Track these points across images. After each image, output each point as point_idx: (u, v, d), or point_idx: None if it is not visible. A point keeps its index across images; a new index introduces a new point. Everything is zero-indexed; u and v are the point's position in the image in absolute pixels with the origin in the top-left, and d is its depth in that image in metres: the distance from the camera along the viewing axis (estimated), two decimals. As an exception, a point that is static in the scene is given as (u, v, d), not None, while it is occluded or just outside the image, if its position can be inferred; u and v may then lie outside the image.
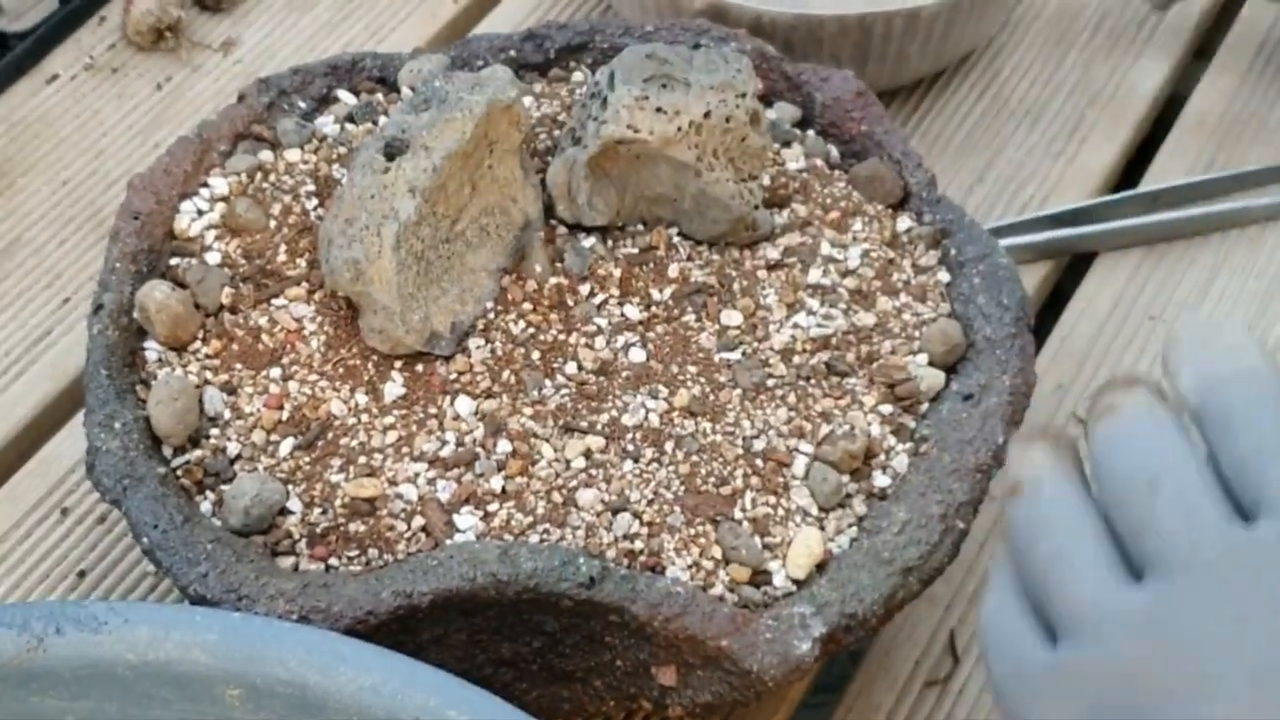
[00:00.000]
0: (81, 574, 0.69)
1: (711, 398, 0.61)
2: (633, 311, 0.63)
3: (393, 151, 0.62)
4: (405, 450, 0.60)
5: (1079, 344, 0.78)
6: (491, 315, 0.63)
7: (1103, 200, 0.83)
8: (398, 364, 0.62)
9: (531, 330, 0.63)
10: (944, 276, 0.67)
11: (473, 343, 0.62)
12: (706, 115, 0.65)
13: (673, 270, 0.65)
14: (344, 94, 0.71)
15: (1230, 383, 0.43)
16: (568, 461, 0.59)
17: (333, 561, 0.58)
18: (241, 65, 0.88)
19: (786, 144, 0.70)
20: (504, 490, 0.59)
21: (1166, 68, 0.90)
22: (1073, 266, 0.82)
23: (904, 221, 0.68)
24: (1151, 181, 0.84)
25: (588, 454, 0.59)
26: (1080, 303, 0.80)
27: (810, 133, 0.72)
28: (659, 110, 0.64)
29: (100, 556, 0.70)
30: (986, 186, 0.84)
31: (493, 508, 0.58)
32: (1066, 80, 0.89)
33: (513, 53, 0.74)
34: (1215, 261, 0.81)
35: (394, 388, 0.61)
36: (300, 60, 0.79)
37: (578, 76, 0.73)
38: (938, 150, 0.86)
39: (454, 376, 0.61)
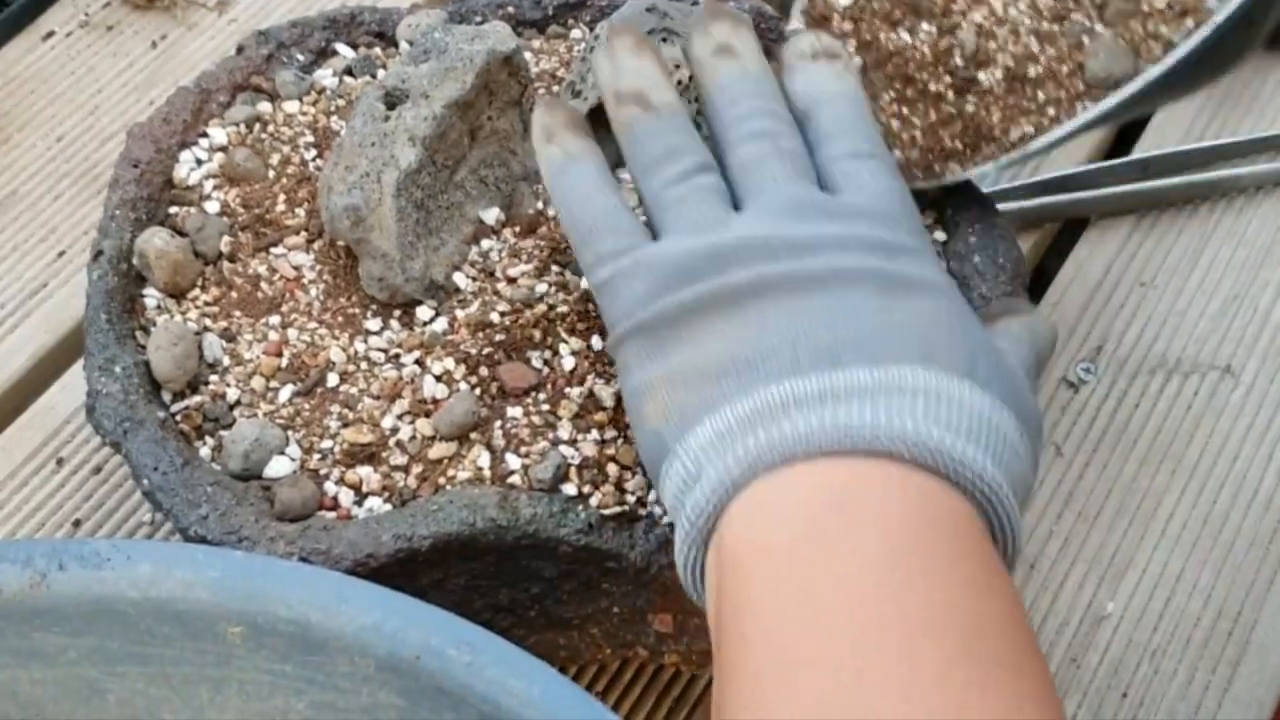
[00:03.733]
0: (77, 523, 0.69)
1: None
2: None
3: (393, 100, 0.62)
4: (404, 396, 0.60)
5: (1071, 310, 0.78)
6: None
7: (1094, 167, 0.83)
8: (396, 312, 0.62)
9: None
10: (940, 235, 0.67)
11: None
12: (706, 71, 0.65)
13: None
14: (342, 47, 0.71)
15: (837, 100, 0.57)
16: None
17: (332, 506, 0.58)
18: (236, 24, 0.88)
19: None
20: (503, 438, 0.59)
21: (1158, 38, 0.90)
22: (1064, 232, 0.83)
23: (900, 181, 0.68)
24: (1144, 149, 0.85)
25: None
26: (1072, 268, 0.80)
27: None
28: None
29: (95, 506, 0.70)
30: (979, 153, 0.85)
31: (491, 455, 0.58)
32: (1059, 50, 0.90)
33: (510, 9, 0.74)
34: (1205, 229, 0.81)
35: (392, 335, 0.61)
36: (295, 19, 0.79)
37: (576, 33, 0.73)
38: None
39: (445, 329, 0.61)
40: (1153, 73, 0.59)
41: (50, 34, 0.87)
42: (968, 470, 0.47)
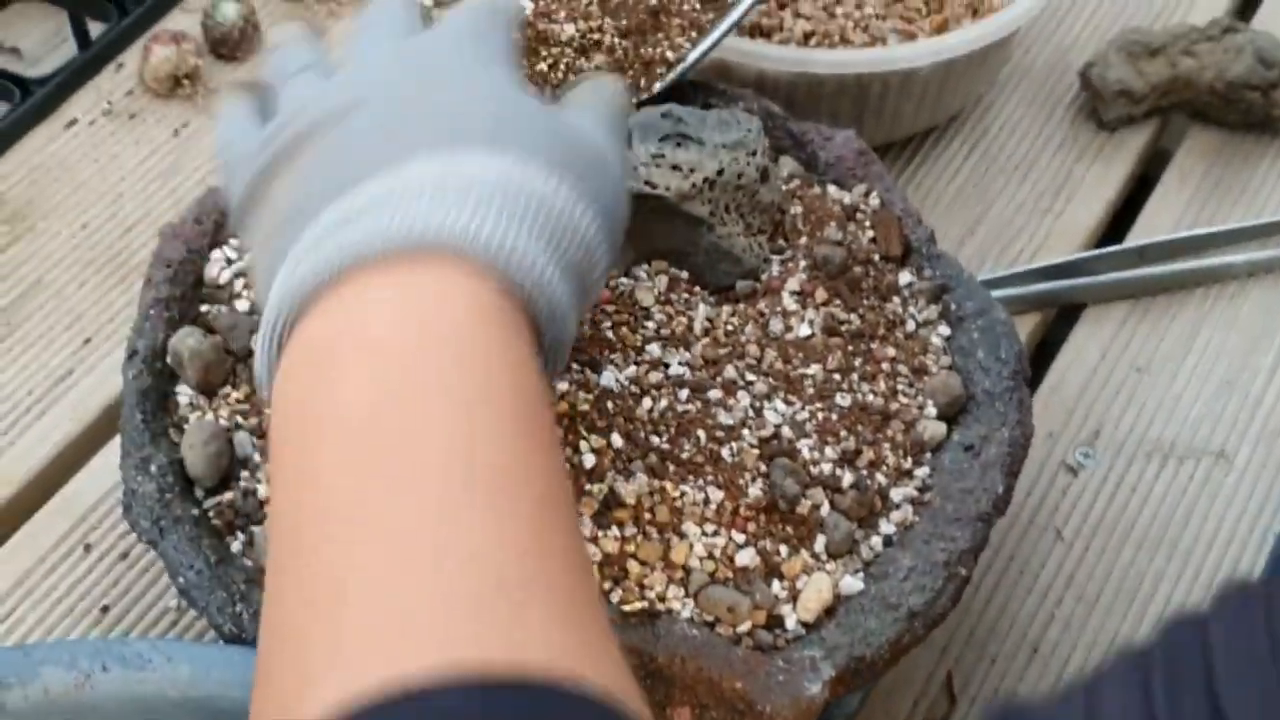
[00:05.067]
0: (105, 609, 0.71)
1: (720, 451, 0.63)
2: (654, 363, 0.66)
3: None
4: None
5: (1069, 393, 0.81)
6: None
7: (1091, 254, 0.86)
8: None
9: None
10: (944, 330, 0.69)
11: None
12: (720, 173, 0.68)
13: (696, 322, 0.67)
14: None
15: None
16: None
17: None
18: (255, 112, 0.90)
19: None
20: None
21: (1152, 125, 0.93)
22: (1060, 317, 0.85)
23: (905, 276, 0.71)
24: (1138, 235, 0.87)
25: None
26: (1070, 353, 0.83)
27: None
28: (675, 167, 0.67)
29: (123, 592, 0.72)
30: (977, 240, 0.87)
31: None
32: (1054, 137, 0.92)
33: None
34: (1199, 315, 0.84)
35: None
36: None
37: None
38: (929, 204, 0.88)
39: None
40: None
41: (73, 122, 0.90)
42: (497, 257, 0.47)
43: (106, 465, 0.75)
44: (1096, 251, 0.86)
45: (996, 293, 0.79)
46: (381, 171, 0.49)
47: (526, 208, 0.49)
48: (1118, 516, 0.76)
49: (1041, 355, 0.84)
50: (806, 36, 0.85)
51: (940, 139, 0.92)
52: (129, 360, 0.65)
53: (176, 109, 0.90)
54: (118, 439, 0.64)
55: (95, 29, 0.92)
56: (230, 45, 0.92)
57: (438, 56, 0.55)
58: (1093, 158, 0.91)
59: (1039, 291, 0.84)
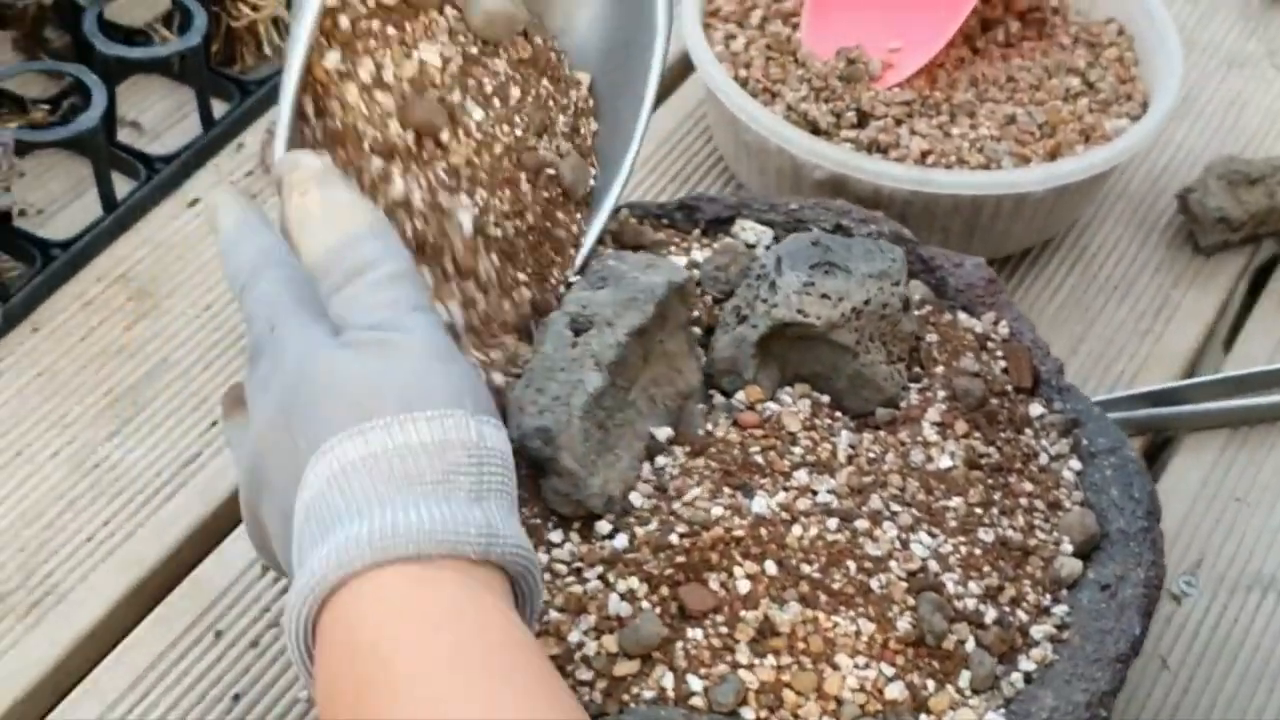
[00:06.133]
0: (236, 697, 0.72)
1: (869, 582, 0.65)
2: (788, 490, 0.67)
3: (579, 326, 0.66)
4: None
5: (1172, 520, 0.82)
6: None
7: (1190, 382, 0.87)
8: (576, 524, 0.65)
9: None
10: (1075, 465, 0.71)
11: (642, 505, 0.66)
12: (866, 302, 0.69)
13: (840, 449, 0.69)
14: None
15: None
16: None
17: None
18: (372, 198, 0.92)
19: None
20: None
21: (1246, 251, 0.95)
22: (1155, 444, 0.87)
23: (1035, 408, 0.73)
24: (1234, 360, 0.89)
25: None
26: (1171, 480, 0.84)
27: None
28: (824, 296, 0.69)
29: (253, 680, 0.73)
30: (1080, 359, 0.89)
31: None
32: (1152, 259, 0.94)
33: (665, 221, 0.78)
34: (1295, 447, 0.86)
35: (573, 547, 0.65)
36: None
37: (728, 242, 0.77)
38: (1032, 320, 0.90)
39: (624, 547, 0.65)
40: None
41: (195, 201, 0.91)
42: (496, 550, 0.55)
43: (236, 550, 0.76)
44: (1196, 380, 0.88)
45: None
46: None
47: (485, 474, 0.56)
48: (1220, 648, 0.78)
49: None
50: (924, 155, 0.87)
51: (1040, 255, 0.94)
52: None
53: (299, 193, 0.91)
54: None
55: (218, 108, 0.94)
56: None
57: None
58: (1189, 281, 0.93)
59: (1140, 418, 0.86)
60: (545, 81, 0.73)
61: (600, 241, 0.74)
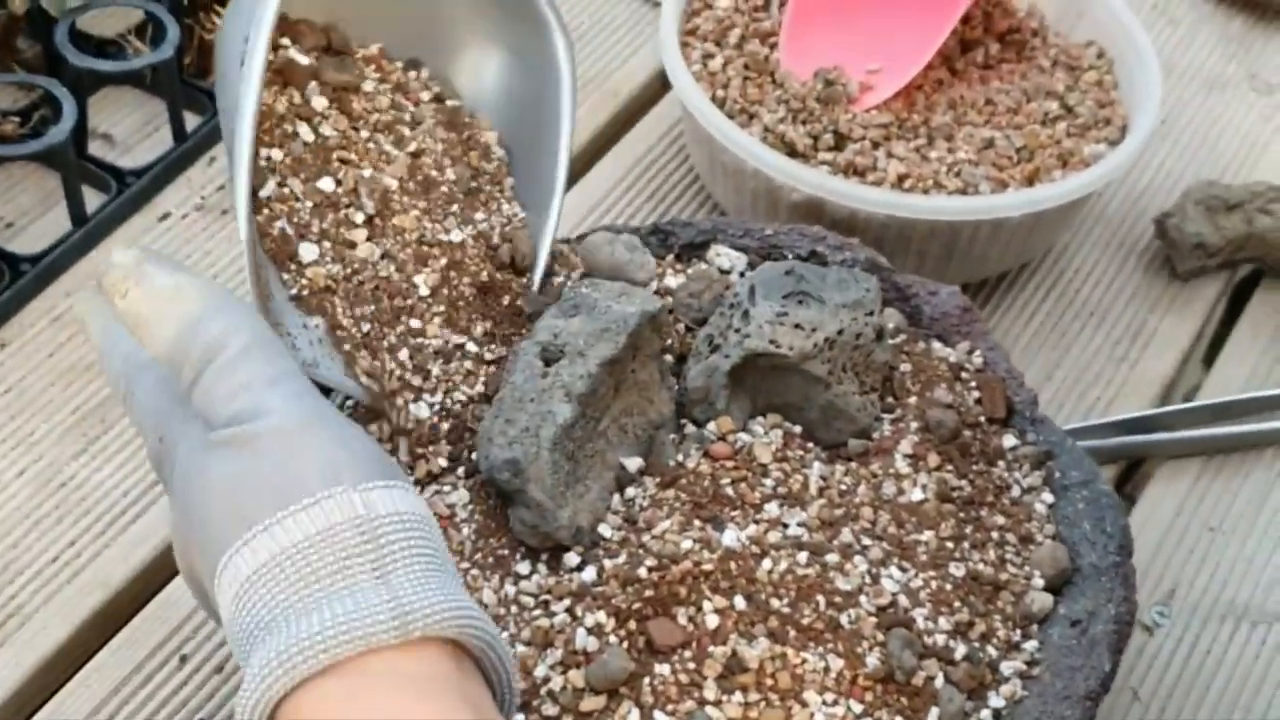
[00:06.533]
0: (201, 724, 0.72)
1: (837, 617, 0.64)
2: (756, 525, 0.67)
3: (549, 356, 0.66)
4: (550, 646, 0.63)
5: (1145, 550, 0.82)
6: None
7: (1166, 410, 0.87)
8: (544, 556, 0.65)
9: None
10: (1048, 498, 0.71)
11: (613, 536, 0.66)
12: (840, 332, 0.69)
13: (811, 480, 0.68)
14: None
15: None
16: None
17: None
18: (346, 214, 0.91)
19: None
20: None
21: (1223, 277, 0.95)
22: (1128, 472, 0.87)
23: (1009, 439, 0.72)
24: (1210, 388, 0.89)
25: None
26: (1145, 509, 0.84)
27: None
28: (797, 326, 0.68)
29: (218, 706, 0.72)
30: (1055, 385, 0.89)
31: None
32: (1128, 285, 0.94)
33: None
34: (1271, 475, 0.86)
35: (540, 579, 0.64)
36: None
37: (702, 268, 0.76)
38: (1007, 344, 0.90)
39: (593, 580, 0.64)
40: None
41: (166, 215, 0.90)
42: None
43: (202, 574, 0.75)
44: (1172, 408, 0.87)
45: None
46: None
47: (384, 545, 0.52)
48: (1193, 679, 0.78)
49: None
50: (900, 179, 0.87)
51: (1017, 280, 0.94)
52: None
53: (272, 209, 0.91)
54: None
55: (190, 120, 0.93)
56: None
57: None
58: (1166, 307, 0.93)
59: (1114, 445, 0.86)
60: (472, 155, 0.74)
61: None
